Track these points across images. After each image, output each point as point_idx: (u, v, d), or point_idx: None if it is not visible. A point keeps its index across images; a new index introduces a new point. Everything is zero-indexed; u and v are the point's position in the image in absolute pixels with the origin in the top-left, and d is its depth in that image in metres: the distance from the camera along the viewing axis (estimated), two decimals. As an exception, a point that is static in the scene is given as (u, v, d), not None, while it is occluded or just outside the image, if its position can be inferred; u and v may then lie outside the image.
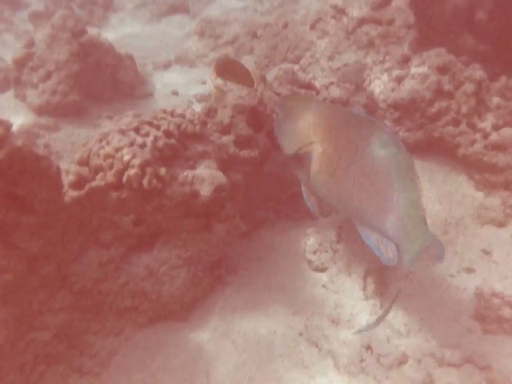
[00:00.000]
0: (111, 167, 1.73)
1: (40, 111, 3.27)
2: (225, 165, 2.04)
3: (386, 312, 1.73)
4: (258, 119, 2.25)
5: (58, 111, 3.31)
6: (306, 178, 1.97)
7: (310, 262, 2.26)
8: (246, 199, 2.29)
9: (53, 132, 3.24)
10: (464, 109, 2.80)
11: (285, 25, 3.92)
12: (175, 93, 3.96)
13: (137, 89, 3.92)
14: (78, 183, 1.73)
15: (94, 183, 1.73)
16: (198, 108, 3.68)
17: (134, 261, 1.84)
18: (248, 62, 3.98)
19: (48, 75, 3.26)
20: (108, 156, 1.74)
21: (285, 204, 2.54)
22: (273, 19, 4.07)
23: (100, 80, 3.68)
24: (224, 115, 2.13)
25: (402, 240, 1.74)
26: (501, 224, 2.56)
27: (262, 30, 4.10)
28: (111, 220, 1.78)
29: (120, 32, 4.89)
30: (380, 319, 1.73)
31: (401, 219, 1.73)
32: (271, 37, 3.95)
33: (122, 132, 1.80)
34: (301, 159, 1.94)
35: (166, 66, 4.38)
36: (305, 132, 1.93)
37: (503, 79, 3.89)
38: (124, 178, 1.71)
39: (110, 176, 1.71)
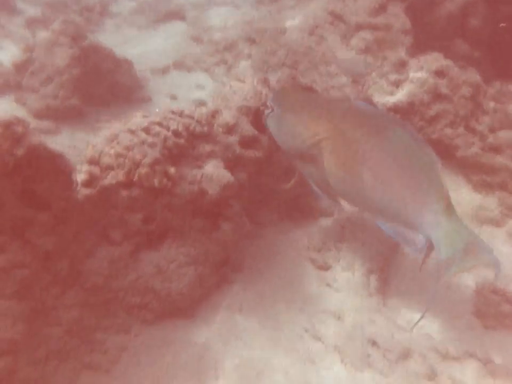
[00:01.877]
0: (122, 166, 1.79)
1: (41, 115, 3.33)
2: (231, 164, 2.12)
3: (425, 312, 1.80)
4: (263, 121, 2.33)
5: (58, 115, 3.37)
6: (317, 176, 1.97)
7: (313, 260, 2.33)
8: (250, 198, 2.36)
9: (53, 136, 3.30)
10: (462, 112, 2.90)
11: (283, 32, 4.02)
12: (174, 98, 4.03)
13: (135, 94, 3.98)
14: (90, 182, 1.79)
15: (105, 182, 1.79)
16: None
17: (143, 259, 1.90)
18: (246, 67, 4.07)
19: (49, 79, 3.32)
20: (118, 155, 1.80)
21: (288, 204, 2.61)
22: (271, 25, 4.17)
23: (99, 84, 3.74)
24: (229, 116, 2.21)
25: (438, 237, 1.71)
26: (498, 224, 2.66)
27: (260, 35, 4.19)
28: (122, 217, 1.84)
29: (116, 38, 4.96)
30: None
31: (434, 214, 1.69)
32: (269, 43, 4.05)
33: (132, 132, 1.87)
34: (309, 155, 1.98)
35: (164, 71, 4.45)
36: (311, 126, 1.93)
37: (497, 84, 4.03)
38: (135, 177, 1.78)
39: (120, 175, 1.78)
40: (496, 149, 2.80)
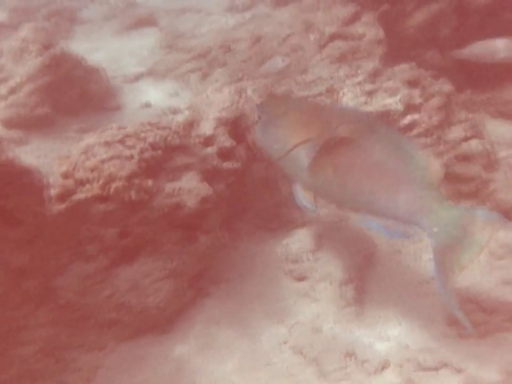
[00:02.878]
0: (97, 179, 1.78)
1: (10, 124, 3.26)
2: (209, 176, 2.12)
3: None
4: (240, 131, 2.35)
5: (28, 124, 3.31)
6: (303, 177, 1.99)
7: (291, 271, 2.35)
8: (228, 209, 2.37)
9: (23, 145, 3.23)
10: (435, 121, 2.99)
11: (258, 39, 4.05)
12: (148, 105, 4.00)
13: (107, 102, 3.94)
14: (63, 196, 1.77)
15: (79, 196, 1.77)
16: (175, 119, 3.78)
17: (118, 274, 1.89)
18: (222, 75, 4.08)
19: (18, 87, 3.26)
20: (94, 168, 1.79)
21: (265, 214, 2.63)
22: (246, 33, 4.20)
23: (70, 92, 3.68)
24: (206, 127, 2.22)
25: (425, 221, 1.74)
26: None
27: (235, 43, 4.22)
28: (97, 232, 1.82)
29: (87, 45, 4.90)
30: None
31: (422, 205, 1.73)
32: (244, 50, 4.08)
33: (108, 144, 1.86)
34: (294, 159, 1.97)
35: (137, 78, 4.42)
36: (297, 130, 1.96)
37: (468, 93, 4.16)
38: (111, 190, 1.76)
39: (96, 189, 1.76)
40: (468, 158, 2.89)
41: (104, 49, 4.85)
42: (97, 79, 3.89)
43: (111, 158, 1.80)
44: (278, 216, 2.63)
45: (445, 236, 1.74)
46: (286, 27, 3.96)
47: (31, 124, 3.33)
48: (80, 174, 1.81)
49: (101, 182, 1.77)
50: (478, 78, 4.17)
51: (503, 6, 3.80)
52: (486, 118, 3.98)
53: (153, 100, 4.06)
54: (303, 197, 2.07)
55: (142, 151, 1.86)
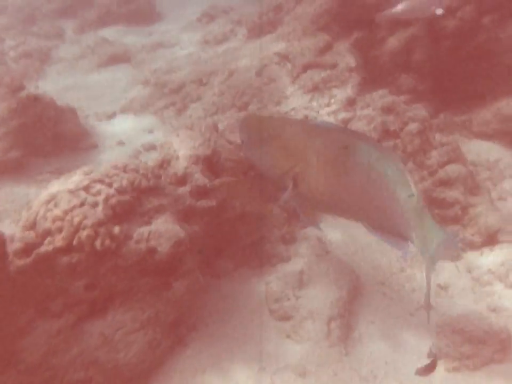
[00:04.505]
0: (60, 230, 1.71)
1: (-22, 170, 3.19)
2: (182, 217, 2.07)
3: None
4: (213, 168, 2.31)
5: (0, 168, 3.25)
6: (298, 199, 2.04)
7: (272, 311, 2.28)
8: (204, 249, 2.30)
9: (-7, 191, 3.15)
10: (410, 148, 2.99)
11: (231, 73, 4.07)
12: (121, 143, 3.97)
13: (81, 142, 3.90)
14: (25, 250, 1.69)
15: (41, 249, 1.70)
16: (146, 157, 3.74)
17: (87, 329, 1.80)
18: (196, 109, 4.07)
19: (-14, 133, 3.20)
20: (56, 219, 1.72)
21: (243, 252, 2.57)
22: (219, 66, 4.23)
23: (41, 134, 3.65)
24: (178, 166, 2.17)
25: (416, 240, 1.89)
26: (454, 258, 2.70)
27: (208, 77, 4.23)
28: (61, 286, 1.74)
29: (59, 84, 4.89)
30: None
31: (408, 221, 1.88)
32: (218, 84, 4.09)
33: (72, 192, 1.80)
34: (289, 180, 2.00)
35: (110, 116, 4.40)
36: (283, 156, 2.00)
37: (441, 116, 4.21)
38: (75, 241, 1.70)
39: (59, 240, 1.69)
40: (446, 183, 2.88)
41: (77, 88, 4.83)
42: (70, 119, 3.86)
43: (74, 207, 1.73)
44: (258, 252, 2.57)
45: (430, 252, 1.89)
46: (258, 60, 3.99)
47: (3, 168, 3.28)
48: (42, 226, 1.74)
49: (64, 233, 1.70)
50: (452, 100, 4.23)
51: (474, 29, 3.89)
52: (462, 140, 4.02)
53: (128, 138, 4.03)
54: (303, 216, 2.11)
55: (107, 198, 1.80)
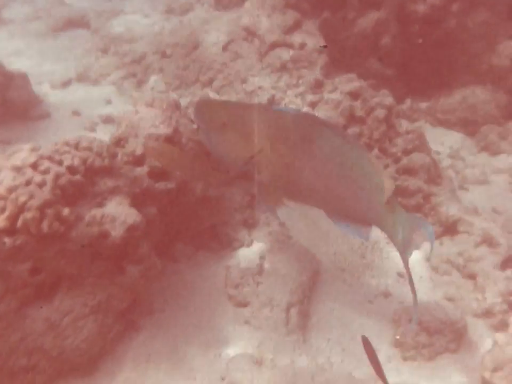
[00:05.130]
0: (3, 210, 1.58)
1: None
2: (138, 199, 1.97)
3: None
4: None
5: None
6: (262, 184, 2.00)
7: (231, 297, 2.23)
8: (162, 232, 2.22)
9: None
10: (376, 134, 2.97)
11: (196, 46, 3.92)
12: (77, 114, 3.78)
13: (33, 110, 3.69)
14: (-38, 230, 1.56)
15: (-18, 229, 1.57)
16: (104, 129, 3.58)
17: (31, 314, 1.69)
18: (158, 82, 3.91)
19: None
20: (-1, 197, 1.59)
21: (204, 235, 2.50)
22: (184, 39, 4.06)
23: (-12, 101, 3.41)
24: (136, 145, 2.06)
25: (387, 227, 1.92)
26: (415, 247, 2.72)
27: (172, 49, 4.06)
28: (3, 269, 1.62)
29: (10, 47, 4.58)
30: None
31: (375, 206, 1.89)
32: (182, 57, 3.93)
33: (17, 169, 1.66)
34: (251, 167, 1.96)
35: (65, 84, 4.18)
36: (245, 140, 1.94)
37: (408, 101, 4.23)
38: (19, 222, 1.57)
39: (2, 221, 1.56)
40: (409, 171, 2.89)
41: (29, 53, 4.55)
42: (20, 86, 3.62)
43: (19, 186, 1.60)
44: (219, 236, 2.51)
45: (401, 235, 1.93)
46: (225, 34, 3.85)
47: None
48: (-17, 204, 1.60)
49: (7, 213, 1.57)
50: (417, 86, 4.26)
51: (443, 16, 3.88)
52: (426, 127, 4.06)
53: (84, 108, 3.83)
54: (263, 203, 2.08)
55: (57, 176, 1.67)
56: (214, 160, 2.31)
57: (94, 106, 3.91)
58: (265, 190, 2.04)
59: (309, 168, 1.91)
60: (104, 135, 3.54)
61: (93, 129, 3.58)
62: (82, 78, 4.25)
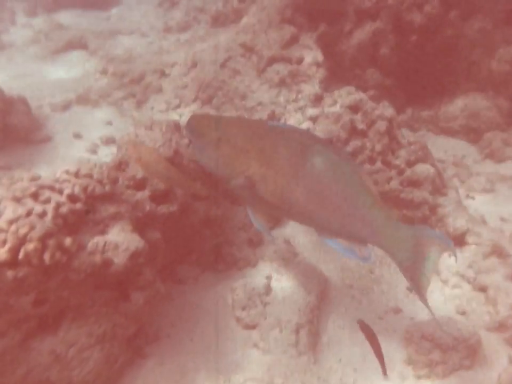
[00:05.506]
0: (3, 242, 1.56)
1: None
2: (141, 224, 1.95)
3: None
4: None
5: None
6: (253, 202, 1.97)
7: (239, 319, 2.20)
8: (166, 255, 2.19)
9: None
10: (378, 147, 2.95)
11: (194, 64, 3.93)
12: (78, 136, 3.78)
13: (33, 135, 3.69)
14: (-37, 264, 1.54)
15: (-17, 263, 1.54)
16: (105, 151, 3.57)
17: (36, 347, 1.66)
18: (158, 101, 3.92)
19: None
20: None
21: (209, 255, 2.48)
22: (181, 57, 4.07)
23: (-12, 127, 3.41)
24: (137, 170, 2.04)
25: (386, 244, 1.87)
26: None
27: (171, 68, 4.07)
28: (6, 303, 1.59)
29: (9, 72, 4.60)
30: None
31: (373, 225, 1.85)
32: (181, 75, 3.94)
33: (17, 200, 1.64)
34: (244, 184, 1.92)
35: (65, 107, 4.17)
36: (235, 160, 1.91)
37: (409, 111, 4.22)
38: (21, 255, 1.55)
39: (2, 254, 1.54)
40: (414, 183, 2.86)
41: (28, 76, 4.56)
42: (20, 110, 3.63)
43: (20, 217, 1.58)
44: (223, 256, 2.48)
45: (404, 254, 1.87)
46: (223, 51, 3.85)
47: None
48: (-16, 237, 1.58)
49: (8, 245, 1.55)
50: (418, 95, 4.25)
51: (440, 25, 3.89)
52: (429, 136, 4.04)
53: (85, 130, 3.83)
54: (256, 221, 2.00)
55: (57, 206, 1.66)
56: (209, 176, 2.28)
57: (95, 128, 3.91)
58: (257, 207, 2.00)
59: (303, 185, 1.89)
60: (105, 157, 3.57)
61: (94, 151, 3.58)
62: (82, 100, 4.24)
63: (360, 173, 1.91)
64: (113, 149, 3.62)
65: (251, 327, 2.18)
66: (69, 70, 4.71)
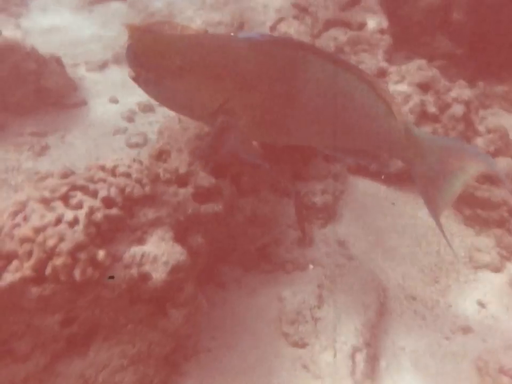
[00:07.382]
0: (29, 255, 1.36)
1: None
2: (182, 228, 1.72)
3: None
4: (221, 163, 1.93)
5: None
6: (239, 137, 1.69)
7: (287, 335, 1.98)
8: (208, 256, 1.97)
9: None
10: (452, 135, 2.60)
11: (241, 25, 3.59)
12: (114, 101, 3.57)
13: (68, 97, 3.50)
14: (-19, 279, 1.35)
15: (5, 277, 1.35)
16: (142, 119, 3.35)
17: (63, 371, 1.49)
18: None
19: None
20: (25, 239, 1.37)
21: (253, 254, 2.24)
22: (228, 17, 3.72)
23: (21, 89, 3.24)
24: (180, 162, 1.79)
25: (400, 153, 1.73)
26: (496, 269, 2.40)
27: (214, 29, 3.75)
28: (30, 323, 1.41)
29: (43, 23, 4.36)
30: None
31: (391, 134, 1.69)
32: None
33: (46, 202, 1.43)
34: (224, 122, 1.64)
35: (102, 67, 3.95)
36: (212, 85, 1.59)
37: (481, 84, 3.78)
38: (48, 270, 1.35)
39: (27, 269, 1.34)
40: (493, 180, 2.52)
41: (63, 30, 4.31)
42: (54, 71, 3.42)
43: (48, 225, 1.37)
44: (270, 257, 2.25)
45: (423, 168, 1.72)
46: (273, 11, 3.50)
47: (-27, 131, 2.89)
48: (6, 246, 1.38)
49: (34, 259, 1.35)
50: (492, 67, 3.82)
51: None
52: (502, 114, 3.65)
53: (121, 93, 3.61)
54: (248, 153, 1.74)
55: (91, 212, 1.43)
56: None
57: (132, 92, 3.65)
58: (247, 139, 1.75)
59: (299, 102, 1.67)
60: (142, 126, 3.35)
61: (131, 118, 3.37)
62: (119, 58, 4.00)
63: (370, 80, 1.68)
64: (150, 118, 3.41)
65: (300, 345, 1.96)
66: (105, 24, 4.44)
